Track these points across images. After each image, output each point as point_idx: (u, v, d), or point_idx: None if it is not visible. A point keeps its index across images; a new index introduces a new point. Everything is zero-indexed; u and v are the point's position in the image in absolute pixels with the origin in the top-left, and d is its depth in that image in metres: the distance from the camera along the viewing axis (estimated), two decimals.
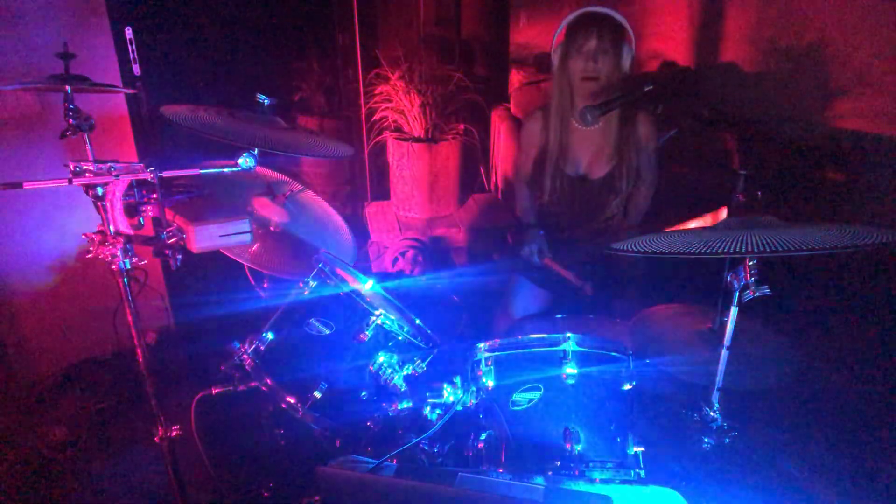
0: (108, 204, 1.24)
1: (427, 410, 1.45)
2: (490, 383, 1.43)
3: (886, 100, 1.81)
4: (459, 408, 1.41)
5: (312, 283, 1.57)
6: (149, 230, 1.32)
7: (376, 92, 3.51)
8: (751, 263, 1.15)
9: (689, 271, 2.07)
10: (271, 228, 1.78)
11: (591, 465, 1.33)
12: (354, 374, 1.52)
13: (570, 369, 1.37)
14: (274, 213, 1.78)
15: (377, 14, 3.78)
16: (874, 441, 1.74)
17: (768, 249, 1.00)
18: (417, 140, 3.43)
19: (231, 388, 1.48)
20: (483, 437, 1.41)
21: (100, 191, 1.22)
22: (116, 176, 1.22)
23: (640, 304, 1.76)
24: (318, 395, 1.44)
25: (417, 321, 1.52)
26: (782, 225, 1.20)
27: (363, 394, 1.52)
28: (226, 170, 1.35)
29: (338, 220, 2.01)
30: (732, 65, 2.43)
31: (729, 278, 1.20)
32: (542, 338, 1.44)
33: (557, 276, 2.03)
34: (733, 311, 1.20)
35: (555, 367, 1.39)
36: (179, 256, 1.30)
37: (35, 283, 2.40)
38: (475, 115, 3.63)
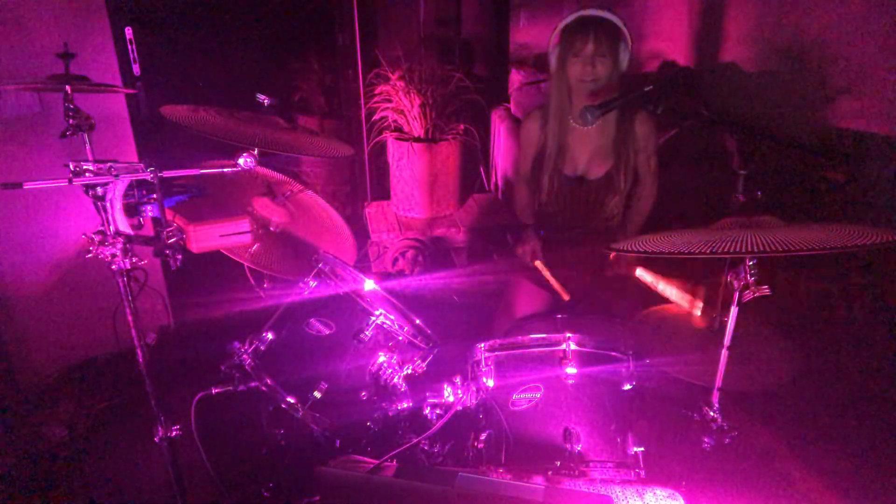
0: (108, 204, 1.24)
1: (427, 410, 1.45)
2: (490, 383, 1.43)
3: (886, 100, 1.81)
4: (459, 408, 1.41)
5: (312, 283, 1.57)
6: (149, 230, 1.33)
7: (376, 92, 3.51)
8: (751, 263, 1.15)
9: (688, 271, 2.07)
10: (271, 228, 1.78)
11: (591, 465, 1.33)
12: (354, 374, 1.52)
13: (570, 369, 1.37)
14: (274, 213, 1.78)
15: (377, 14, 3.78)
16: (874, 441, 1.74)
17: (768, 249, 1.00)
18: (417, 140, 3.43)
19: (231, 388, 1.48)
20: (483, 437, 1.41)
21: (100, 191, 1.23)
22: (116, 176, 1.21)
23: (641, 304, 1.76)
24: (318, 395, 1.44)
25: (417, 321, 1.52)
26: (782, 225, 1.20)
27: (363, 394, 1.52)
28: (226, 170, 1.35)
29: (338, 220, 2.01)
30: (732, 65, 2.43)
31: (729, 278, 1.20)
32: (542, 338, 1.44)
33: (543, 279, 2.02)
34: (733, 310, 1.20)
35: (555, 367, 1.39)
36: (179, 256, 1.30)
37: (35, 283, 2.40)
38: (475, 115, 3.63)
